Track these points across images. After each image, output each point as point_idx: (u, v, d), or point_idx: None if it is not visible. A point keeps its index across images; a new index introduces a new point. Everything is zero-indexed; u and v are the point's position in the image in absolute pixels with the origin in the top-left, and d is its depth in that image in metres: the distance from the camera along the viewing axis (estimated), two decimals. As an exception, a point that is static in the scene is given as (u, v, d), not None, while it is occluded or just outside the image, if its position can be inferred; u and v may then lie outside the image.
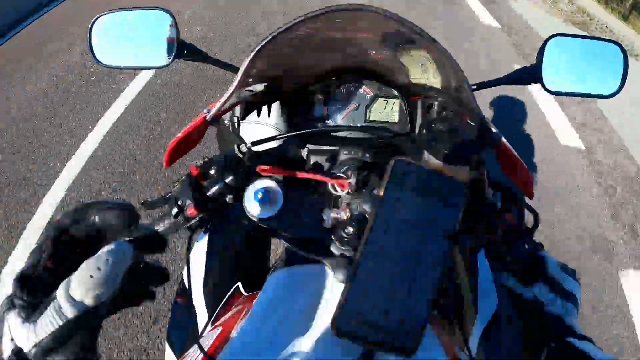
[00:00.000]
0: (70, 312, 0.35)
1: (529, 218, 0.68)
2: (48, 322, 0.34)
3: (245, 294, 0.67)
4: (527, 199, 0.68)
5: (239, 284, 0.69)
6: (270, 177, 0.62)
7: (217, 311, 0.69)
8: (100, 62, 0.77)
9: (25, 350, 0.34)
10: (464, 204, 0.46)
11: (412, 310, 0.41)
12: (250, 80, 0.65)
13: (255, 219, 0.60)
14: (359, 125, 0.76)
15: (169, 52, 0.74)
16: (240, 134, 0.75)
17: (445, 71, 0.63)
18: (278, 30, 0.56)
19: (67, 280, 0.36)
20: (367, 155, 0.62)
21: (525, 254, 0.64)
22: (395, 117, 0.76)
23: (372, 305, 0.41)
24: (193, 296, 0.75)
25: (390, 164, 0.56)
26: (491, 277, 0.65)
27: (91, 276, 0.36)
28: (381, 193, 0.52)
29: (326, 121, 0.76)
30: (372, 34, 0.63)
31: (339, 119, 0.77)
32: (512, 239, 0.63)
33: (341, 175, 0.61)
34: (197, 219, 0.60)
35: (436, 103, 0.73)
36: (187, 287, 0.75)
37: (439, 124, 0.72)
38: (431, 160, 0.59)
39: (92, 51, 0.77)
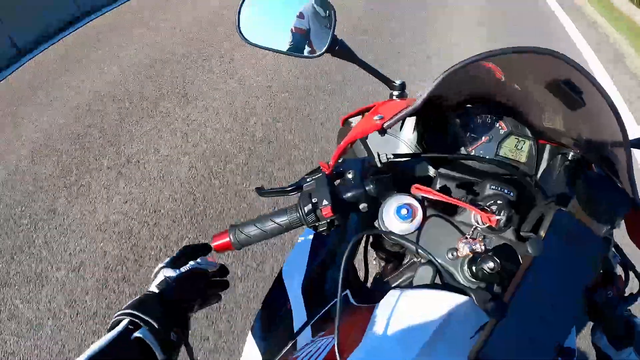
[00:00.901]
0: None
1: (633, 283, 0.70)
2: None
3: (356, 304, 0.68)
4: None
5: (348, 291, 0.70)
6: (410, 194, 0.63)
7: (320, 314, 0.69)
8: (246, 39, 0.77)
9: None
10: (602, 262, 0.50)
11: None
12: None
13: (392, 233, 0.61)
14: (487, 157, 0.76)
15: (322, 44, 0.74)
16: (368, 141, 0.76)
17: (602, 128, 0.63)
18: (464, 62, 0.56)
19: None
20: (512, 193, 0.63)
21: (623, 318, 0.66)
22: (523, 157, 0.77)
23: (512, 345, 0.43)
24: (289, 294, 0.75)
25: (550, 214, 0.57)
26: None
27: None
28: (542, 236, 0.54)
29: (457, 148, 0.77)
30: (534, 74, 0.63)
31: (470, 148, 0.77)
32: (616, 301, 0.65)
33: (488, 209, 0.61)
34: (327, 220, 0.60)
35: (572, 154, 0.73)
36: (284, 283, 0.75)
37: (565, 174, 0.73)
38: (577, 208, 0.59)
39: (238, 26, 0.77)
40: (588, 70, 0.53)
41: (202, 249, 0.65)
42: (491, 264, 0.55)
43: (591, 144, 0.69)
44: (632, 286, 0.70)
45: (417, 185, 0.60)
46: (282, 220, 0.62)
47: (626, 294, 0.67)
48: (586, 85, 0.56)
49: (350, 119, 0.84)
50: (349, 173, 0.64)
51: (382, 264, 0.83)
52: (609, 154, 0.66)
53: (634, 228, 0.68)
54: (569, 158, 0.74)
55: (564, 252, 0.51)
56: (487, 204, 0.62)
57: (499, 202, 0.62)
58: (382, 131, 0.64)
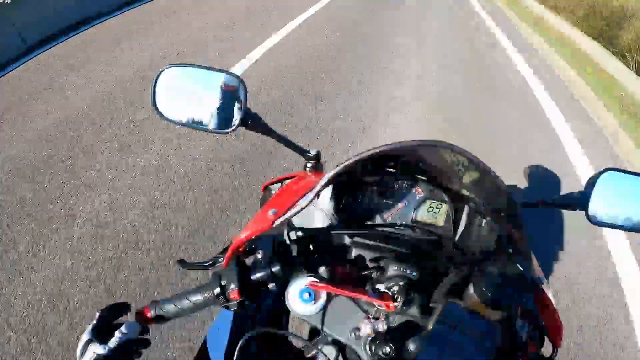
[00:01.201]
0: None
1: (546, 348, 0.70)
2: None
3: None
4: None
5: None
6: (315, 275, 0.63)
7: None
8: (161, 114, 0.77)
9: None
10: (496, 348, 0.53)
11: None
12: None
13: (297, 314, 0.61)
14: (405, 223, 0.77)
15: (233, 118, 0.74)
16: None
17: (496, 195, 0.65)
18: (354, 158, 0.57)
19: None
20: (414, 273, 0.63)
21: None
22: (440, 221, 0.77)
23: None
24: None
25: (440, 306, 0.58)
26: None
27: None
28: (429, 328, 0.55)
29: (373, 214, 0.77)
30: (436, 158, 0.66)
31: (387, 215, 0.78)
32: None
33: (387, 292, 0.62)
34: (237, 301, 0.61)
35: (480, 215, 0.74)
36: (208, 353, 0.75)
37: (482, 237, 0.74)
38: (474, 299, 0.60)
39: (154, 100, 0.77)
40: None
41: (122, 309, 0.64)
42: (387, 349, 0.56)
43: (493, 213, 0.70)
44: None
45: (312, 282, 0.61)
46: (197, 299, 0.63)
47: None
48: (476, 166, 0.58)
49: (271, 186, 0.85)
50: (259, 253, 0.64)
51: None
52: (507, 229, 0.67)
53: (540, 307, 0.69)
54: (481, 221, 0.75)
55: (455, 343, 0.53)
56: (389, 285, 0.63)
57: (400, 283, 0.63)
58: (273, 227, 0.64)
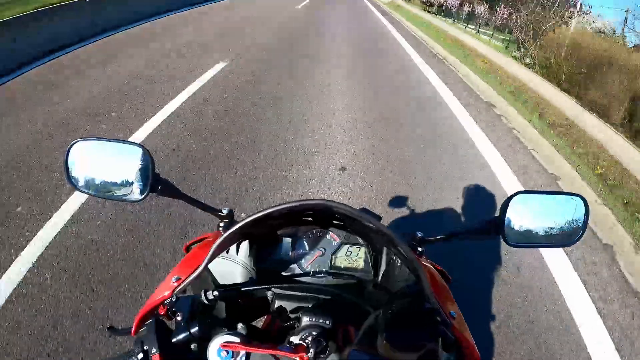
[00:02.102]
0: None
1: None
2: None
3: None
4: None
5: None
6: (233, 333, 0.64)
7: None
8: (75, 186, 0.78)
9: None
10: None
11: None
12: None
13: None
14: (324, 270, 0.78)
15: (143, 186, 0.75)
16: (210, 267, 0.77)
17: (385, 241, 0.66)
18: (244, 221, 0.58)
19: None
20: (328, 322, 0.64)
21: None
22: (360, 264, 0.78)
23: None
24: None
25: (346, 353, 0.59)
26: None
27: None
28: None
29: (292, 264, 0.78)
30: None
31: (306, 264, 0.78)
32: None
33: (302, 343, 0.63)
34: None
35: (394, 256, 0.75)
36: None
37: (402, 277, 0.75)
38: (383, 345, 0.61)
39: (67, 173, 0.78)
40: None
41: None
42: None
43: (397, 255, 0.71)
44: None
45: (225, 342, 0.62)
46: None
47: None
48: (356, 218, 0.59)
49: (193, 245, 0.85)
50: (178, 315, 0.65)
51: None
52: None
53: (457, 339, 0.69)
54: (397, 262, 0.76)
55: None
56: (304, 336, 0.64)
57: (313, 333, 0.64)
58: (175, 299, 0.65)
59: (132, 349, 0.63)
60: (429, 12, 22.42)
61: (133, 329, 0.66)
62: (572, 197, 0.79)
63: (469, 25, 20.12)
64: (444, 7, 25.64)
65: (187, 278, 0.62)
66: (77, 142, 0.78)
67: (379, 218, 0.73)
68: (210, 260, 0.59)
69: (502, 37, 17.45)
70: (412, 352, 0.61)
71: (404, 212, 2.73)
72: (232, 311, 0.73)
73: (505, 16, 17.79)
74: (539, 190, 0.77)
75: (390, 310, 0.65)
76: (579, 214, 0.80)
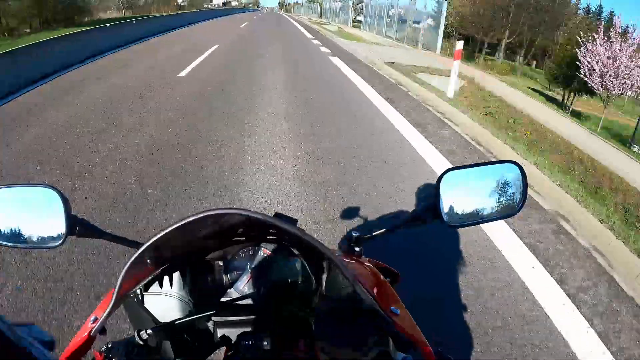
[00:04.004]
0: None
1: None
2: None
3: None
4: None
5: None
6: None
7: None
8: (-9, 240, 0.73)
9: None
10: None
11: None
12: (145, 267, 0.63)
13: None
14: (262, 289, 0.74)
15: (61, 230, 0.71)
16: (146, 305, 0.72)
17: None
18: (150, 241, 0.54)
19: None
20: (266, 342, 0.61)
21: None
22: (299, 276, 0.75)
23: None
24: None
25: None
26: None
27: None
28: None
29: (229, 289, 0.75)
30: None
31: (242, 285, 0.75)
32: None
33: None
34: None
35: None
36: None
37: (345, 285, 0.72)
38: (325, 351, 0.58)
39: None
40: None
41: None
42: None
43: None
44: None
45: None
46: None
47: None
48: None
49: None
50: None
51: None
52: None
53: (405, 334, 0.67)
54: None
55: None
56: None
57: (251, 357, 0.61)
58: (103, 331, 0.61)
59: None
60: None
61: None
62: (504, 164, 0.77)
63: None
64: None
65: (107, 308, 0.58)
66: None
67: (294, 221, 0.70)
68: (119, 295, 0.55)
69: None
70: (358, 355, 0.58)
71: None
72: (182, 349, 0.69)
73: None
74: (468, 164, 0.75)
75: (330, 316, 0.62)
76: (515, 180, 0.78)
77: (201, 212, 0.54)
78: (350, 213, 2.75)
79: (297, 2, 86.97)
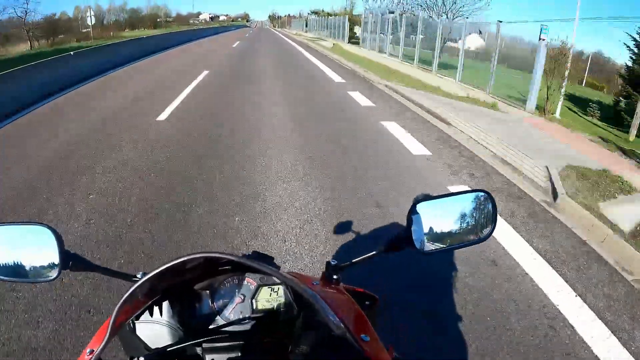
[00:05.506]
0: None
1: None
2: None
3: None
4: None
5: None
6: None
7: None
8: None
9: None
10: None
11: None
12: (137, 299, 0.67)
13: None
14: (248, 316, 0.78)
15: (55, 265, 0.75)
16: (137, 333, 0.77)
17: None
18: (138, 283, 0.59)
19: None
20: None
21: None
22: (282, 303, 0.79)
23: None
24: None
25: None
26: None
27: None
28: None
29: (217, 316, 0.79)
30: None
31: (228, 313, 0.79)
32: None
33: None
34: None
35: None
36: None
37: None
38: None
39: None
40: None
41: None
42: None
43: None
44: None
45: None
46: None
47: None
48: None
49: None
50: None
51: None
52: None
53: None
54: None
55: None
56: None
57: None
58: None
59: None
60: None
61: None
62: (474, 193, 0.82)
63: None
64: None
65: (102, 343, 0.62)
66: None
67: (270, 259, 0.74)
68: (115, 327, 0.60)
69: None
70: None
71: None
72: None
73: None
74: (439, 195, 0.80)
75: (307, 342, 0.66)
76: (486, 208, 0.83)
77: (192, 253, 0.59)
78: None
79: (290, 14, 77.90)
